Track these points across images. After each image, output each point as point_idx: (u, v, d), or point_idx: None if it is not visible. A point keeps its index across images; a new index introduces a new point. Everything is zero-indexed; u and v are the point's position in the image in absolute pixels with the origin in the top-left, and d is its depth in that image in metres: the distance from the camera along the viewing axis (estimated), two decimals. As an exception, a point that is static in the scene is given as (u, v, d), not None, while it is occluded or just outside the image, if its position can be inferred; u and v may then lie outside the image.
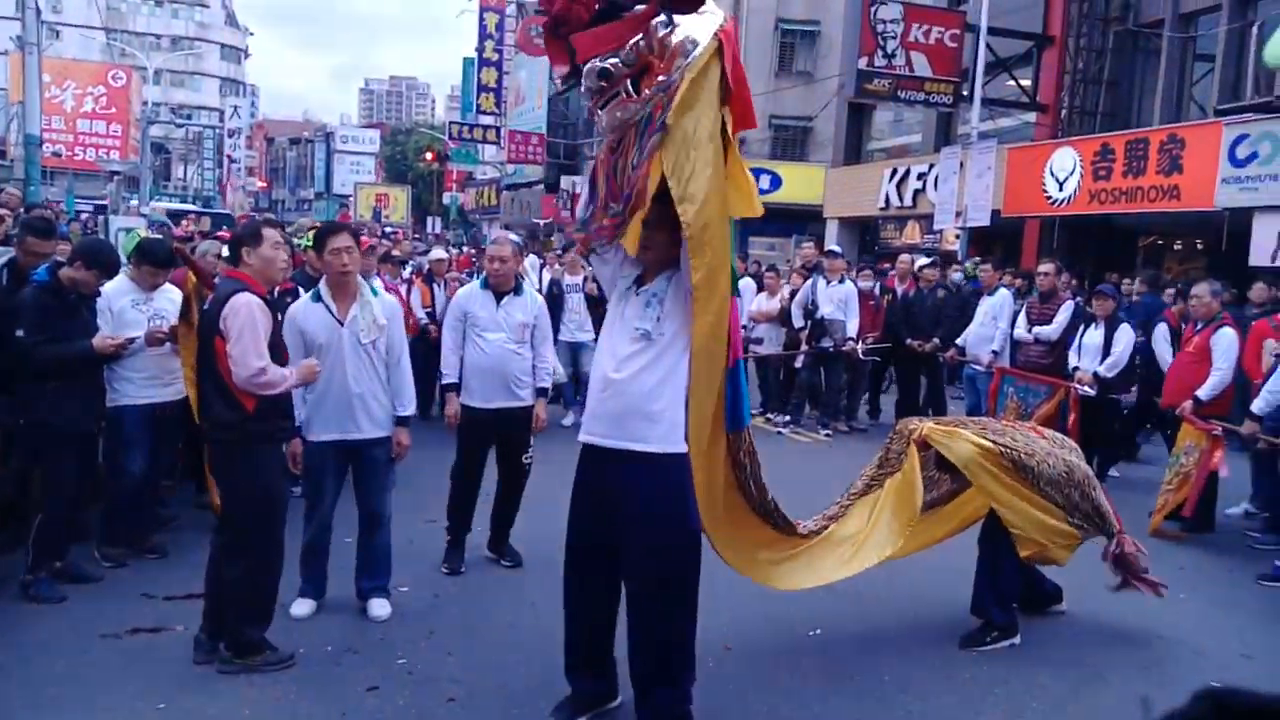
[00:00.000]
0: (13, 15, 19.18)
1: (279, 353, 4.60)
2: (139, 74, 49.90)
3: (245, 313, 4.36)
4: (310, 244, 7.66)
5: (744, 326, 11.93)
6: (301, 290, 6.24)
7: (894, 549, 5.09)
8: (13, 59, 35.20)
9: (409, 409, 5.37)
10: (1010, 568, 5.21)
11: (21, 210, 10.52)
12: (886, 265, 14.47)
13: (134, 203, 30.02)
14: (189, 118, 62.46)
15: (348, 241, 5.09)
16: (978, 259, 13.90)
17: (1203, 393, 7.70)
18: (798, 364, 11.41)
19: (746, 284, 12.30)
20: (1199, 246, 17.24)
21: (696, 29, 3.54)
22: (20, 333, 5.21)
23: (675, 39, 3.51)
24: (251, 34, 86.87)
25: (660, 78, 3.53)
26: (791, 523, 4.86)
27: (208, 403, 4.53)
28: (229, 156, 57.67)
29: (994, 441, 5.04)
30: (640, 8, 3.57)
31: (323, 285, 5.20)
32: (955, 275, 12.77)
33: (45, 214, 8.84)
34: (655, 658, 3.96)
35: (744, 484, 4.43)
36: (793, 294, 11.46)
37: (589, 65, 3.57)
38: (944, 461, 5.21)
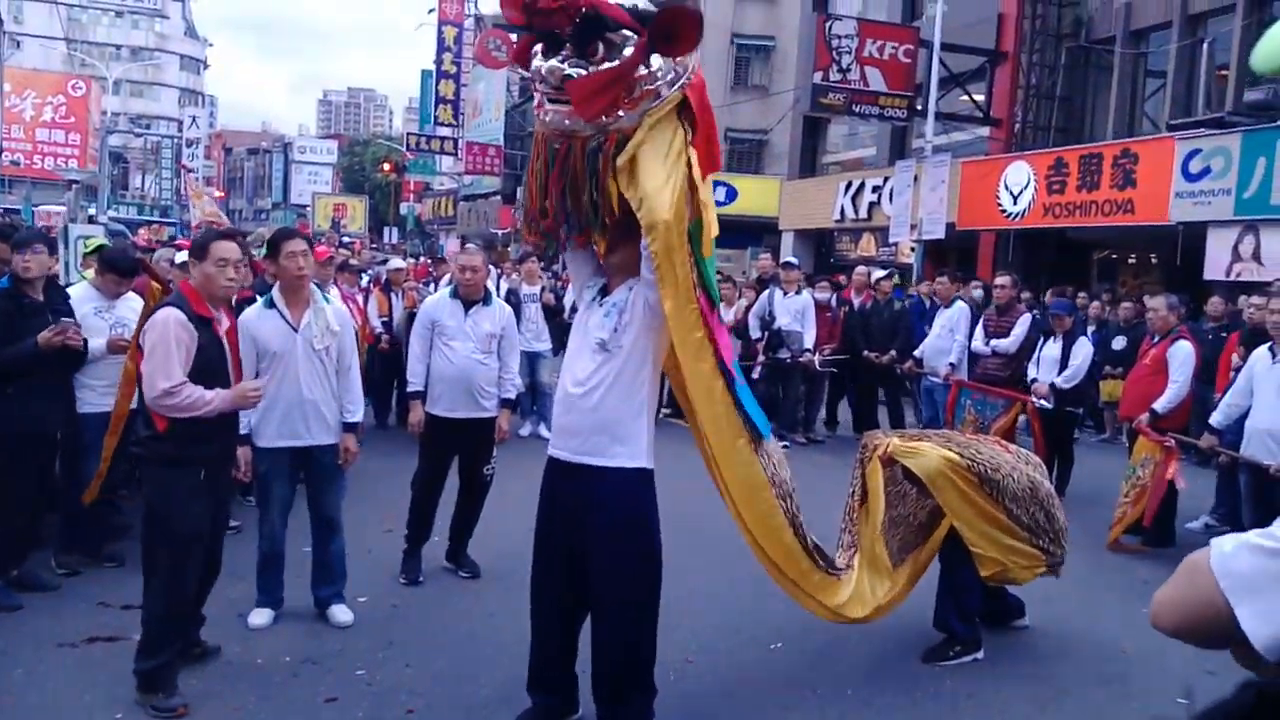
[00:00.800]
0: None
1: (219, 374, 4.38)
2: (99, 84, 49.46)
3: (160, 329, 4.22)
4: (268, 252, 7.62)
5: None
6: (259, 299, 6.20)
7: (893, 584, 5.01)
8: (-27, 70, 34.83)
9: (357, 415, 5.37)
10: (971, 581, 5.16)
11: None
12: (840, 278, 14.42)
13: (91, 211, 29.69)
14: (148, 127, 61.82)
15: (303, 246, 5.12)
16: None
17: (1159, 405, 7.75)
18: (754, 375, 11.36)
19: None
20: (1153, 260, 17.44)
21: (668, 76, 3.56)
22: None
23: (646, 84, 3.51)
24: (211, 45, 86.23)
25: (620, 113, 3.53)
26: (837, 566, 4.74)
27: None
28: (185, 166, 57.05)
29: (960, 454, 4.99)
30: (630, 39, 3.47)
31: (275, 292, 5.17)
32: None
33: (13, 220, 8.69)
34: (618, 671, 3.96)
35: (794, 523, 4.24)
36: (747, 308, 11.43)
37: (549, 64, 3.51)
38: (911, 473, 5.15)
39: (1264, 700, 1.26)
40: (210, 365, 4.33)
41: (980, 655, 5.18)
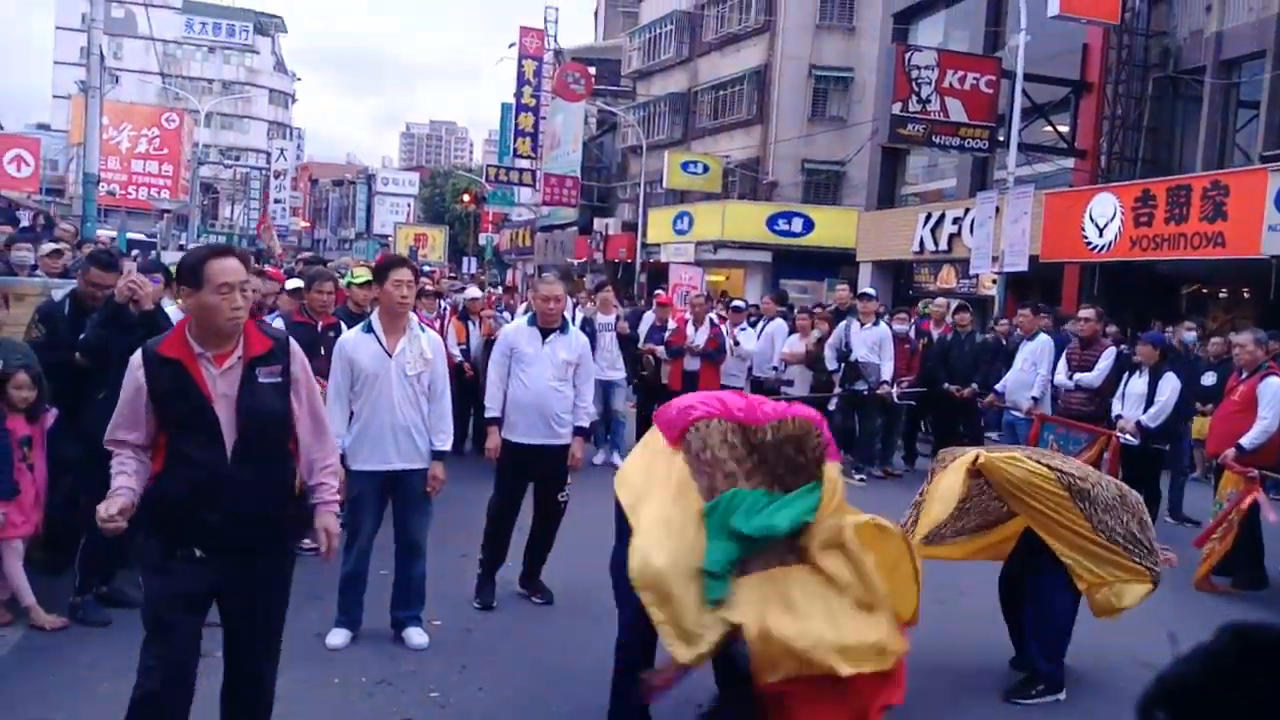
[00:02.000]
0: (78, 61, 19.56)
1: (203, 428, 3.44)
2: (191, 117, 51.01)
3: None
4: (354, 280, 7.82)
5: (774, 368, 11.84)
6: (344, 325, 6.42)
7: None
8: (75, 102, 36.49)
9: (446, 444, 5.43)
10: (1067, 610, 5.04)
11: (77, 246, 10.57)
12: (916, 311, 14.23)
13: (183, 239, 30.71)
14: (237, 159, 63.72)
15: (408, 276, 5.25)
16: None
17: (1246, 441, 7.52)
18: (831, 407, 11.23)
19: (778, 325, 12.26)
20: (1245, 295, 16.96)
21: None
22: (82, 335, 5.34)
23: None
24: (299, 79, 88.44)
25: None
26: None
27: None
28: (273, 198, 58.63)
29: (1048, 465, 4.87)
30: None
31: (375, 317, 5.33)
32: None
33: (110, 248, 8.97)
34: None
35: None
36: (820, 340, 11.30)
37: None
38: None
39: (1242, 641, 1.28)
40: (180, 417, 3.46)
41: (1062, 696, 5.05)
